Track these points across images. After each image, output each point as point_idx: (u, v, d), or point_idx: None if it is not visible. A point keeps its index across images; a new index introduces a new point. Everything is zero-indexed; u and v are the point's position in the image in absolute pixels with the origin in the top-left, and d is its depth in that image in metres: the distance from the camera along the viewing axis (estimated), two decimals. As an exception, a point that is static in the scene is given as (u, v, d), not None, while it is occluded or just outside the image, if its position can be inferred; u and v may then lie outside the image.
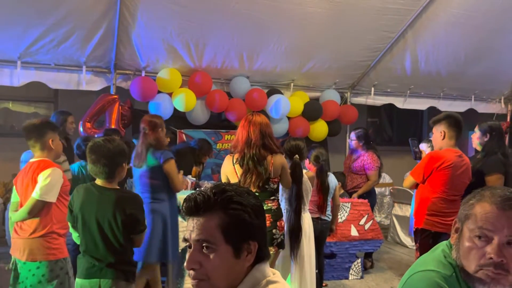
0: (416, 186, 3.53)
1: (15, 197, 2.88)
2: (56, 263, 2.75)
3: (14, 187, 2.90)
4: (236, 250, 1.11)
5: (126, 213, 2.42)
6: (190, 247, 1.13)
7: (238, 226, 1.11)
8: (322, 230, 4.05)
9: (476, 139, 3.77)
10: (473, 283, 1.29)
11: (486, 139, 3.69)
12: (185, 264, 1.13)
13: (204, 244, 1.10)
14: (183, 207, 1.15)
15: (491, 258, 1.24)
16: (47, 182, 2.67)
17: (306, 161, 4.06)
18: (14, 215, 2.80)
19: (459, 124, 3.41)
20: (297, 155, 3.63)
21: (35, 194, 2.67)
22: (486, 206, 1.28)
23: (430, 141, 4.50)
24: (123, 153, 2.53)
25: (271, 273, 1.18)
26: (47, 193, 2.68)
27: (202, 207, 1.11)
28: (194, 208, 1.12)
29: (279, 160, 3.27)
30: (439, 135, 3.43)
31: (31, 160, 2.85)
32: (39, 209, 2.70)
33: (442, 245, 1.44)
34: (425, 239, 3.35)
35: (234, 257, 1.11)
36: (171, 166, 3.56)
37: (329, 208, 4.11)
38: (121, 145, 2.54)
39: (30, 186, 2.74)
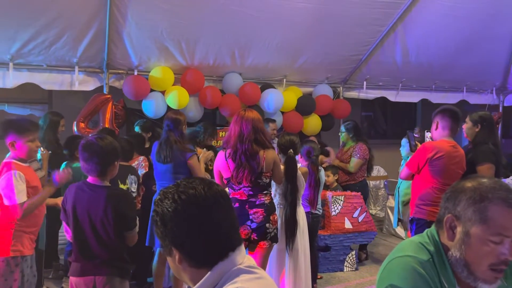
0: (412, 177, 3.57)
1: None
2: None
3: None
4: (167, 251, 1.16)
5: (116, 209, 2.45)
6: None
7: (157, 232, 1.17)
8: (314, 224, 4.10)
9: (467, 129, 3.82)
10: (473, 279, 1.34)
11: (477, 130, 3.74)
12: None
13: None
14: None
15: (506, 258, 1.29)
16: None
17: (299, 156, 4.11)
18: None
19: (453, 115, 3.45)
20: (291, 150, 3.68)
21: None
22: (504, 211, 1.29)
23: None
24: (115, 152, 2.57)
25: (247, 262, 1.15)
26: None
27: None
28: None
29: (271, 155, 3.31)
30: (434, 126, 3.51)
31: None
32: None
33: (424, 232, 1.49)
34: (421, 228, 3.38)
35: (169, 255, 1.16)
36: (195, 161, 3.73)
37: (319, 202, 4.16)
38: (113, 143, 2.57)
39: None
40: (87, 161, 2.49)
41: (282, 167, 3.55)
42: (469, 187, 1.37)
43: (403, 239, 6.12)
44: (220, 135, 5.95)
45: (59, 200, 3.18)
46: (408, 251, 1.40)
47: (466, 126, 3.82)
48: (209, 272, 1.10)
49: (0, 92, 5.17)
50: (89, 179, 2.54)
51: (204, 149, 4.48)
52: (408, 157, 4.60)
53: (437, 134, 3.50)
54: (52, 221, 4.04)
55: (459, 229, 1.36)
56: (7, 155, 3.04)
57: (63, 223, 2.61)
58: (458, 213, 1.36)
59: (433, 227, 1.48)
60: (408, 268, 1.35)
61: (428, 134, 4.81)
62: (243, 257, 1.16)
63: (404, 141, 4.86)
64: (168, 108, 5.31)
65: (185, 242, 1.11)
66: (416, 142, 4.47)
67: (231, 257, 1.13)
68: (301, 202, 3.87)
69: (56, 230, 4.55)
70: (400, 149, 4.98)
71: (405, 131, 4.58)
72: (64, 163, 4.05)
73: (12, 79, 4.73)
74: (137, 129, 4.92)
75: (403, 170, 3.64)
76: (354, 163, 5.10)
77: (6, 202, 2.75)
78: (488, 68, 6.72)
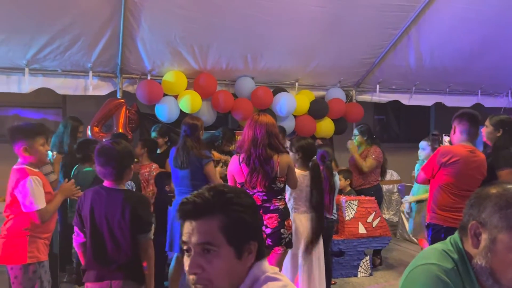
0: (428, 181, 3.52)
1: None
2: None
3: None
4: (238, 251, 1.11)
5: (133, 211, 2.46)
6: (188, 250, 1.12)
7: (239, 227, 1.11)
8: (328, 229, 4.05)
9: (487, 133, 3.74)
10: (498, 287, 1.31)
11: (498, 134, 3.63)
12: (186, 269, 1.12)
13: (206, 247, 1.09)
14: (179, 210, 1.13)
15: None
16: None
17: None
18: None
19: (472, 119, 3.37)
20: (315, 157, 3.66)
21: None
22: None
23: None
24: (130, 156, 2.59)
25: (271, 269, 1.18)
26: None
27: (201, 210, 1.10)
28: (193, 211, 1.11)
29: (285, 160, 3.29)
30: (452, 130, 3.45)
31: None
32: None
33: (447, 240, 1.46)
34: (437, 234, 3.33)
35: (236, 258, 1.11)
36: (211, 168, 3.72)
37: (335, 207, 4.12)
38: (129, 148, 2.60)
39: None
40: (103, 166, 2.49)
41: (297, 171, 3.53)
42: (494, 193, 1.34)
43: (418, 244, 6.04)
44: (237, 138, 5.94)
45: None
46: (431, 259, 1.37)
47: (486, 130, 3.71)
48: (247, 275, 1.15)
49: (15, 96, 5.23)
50: (105, 183, 2.55)
51: (224, 155, 4.48)
52: (425, 160, 4.56)
53: (455, 139, 3.43)
54: (66, 224, 4.06)
55: (484, 236, 1.33)
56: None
57: (75, 228, 2.60)
58: (483, 220, 1.33)
59: (456, 234, 1.45)
60: (432, 276, 1.32)
61: (446, 138, 4.74)
62: (267, 265, 1.19)
63: (424, 144, 4.71)
64: (181, 112, 5.32)
65: (259, 232, 1.21)
66: (440, 145, 4.40)
67: (260, 264, 1.17)
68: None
69: (70, 234, 4.56)
70: (418, 152, 4.90)
71: (419, 135, 4.54)
72: (75, 166, 4.07)
73: (27, 84, 4.80)
74: (153, 134, 4.94)
75: (419, 174, 3.59)
76: (369, 162, 5.06)
77: (25, 209, 2.74)
78: (503, 71, 6.61)
